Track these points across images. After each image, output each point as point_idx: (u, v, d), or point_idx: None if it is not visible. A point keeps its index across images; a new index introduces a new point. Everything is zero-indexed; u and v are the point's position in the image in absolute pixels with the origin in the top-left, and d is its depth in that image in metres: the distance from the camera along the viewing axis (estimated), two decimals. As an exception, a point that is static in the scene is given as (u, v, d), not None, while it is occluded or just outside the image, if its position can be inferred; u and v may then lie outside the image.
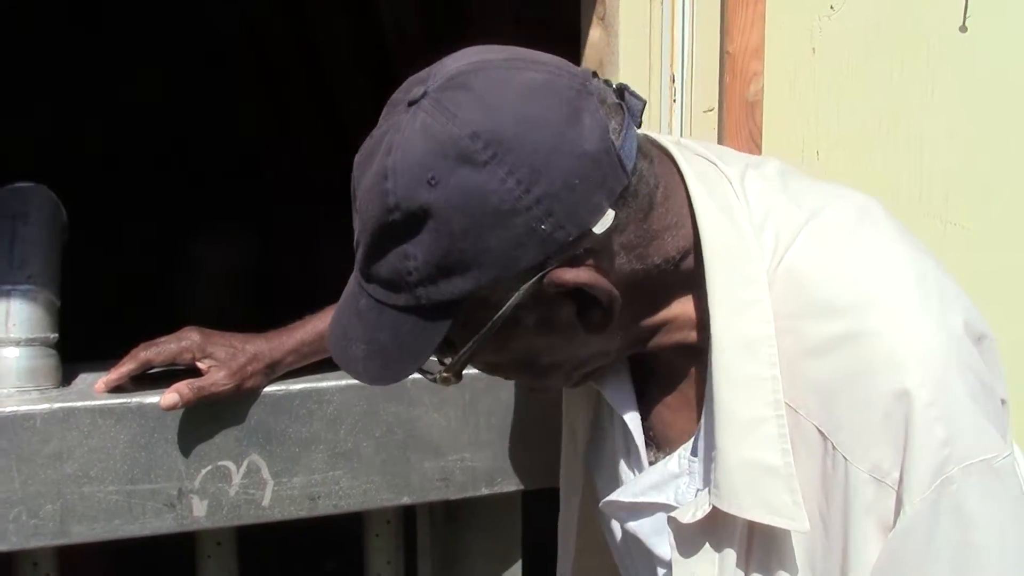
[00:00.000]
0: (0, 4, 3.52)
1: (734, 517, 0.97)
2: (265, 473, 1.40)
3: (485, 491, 1.50)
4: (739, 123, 1.53)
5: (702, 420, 1.01)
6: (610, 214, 0.91)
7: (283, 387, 1.41)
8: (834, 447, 0.93)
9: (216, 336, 1.36)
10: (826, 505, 0.94)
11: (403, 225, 0.88)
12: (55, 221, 1.43)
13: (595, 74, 0.96)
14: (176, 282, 4.26)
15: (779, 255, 0.97)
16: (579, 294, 0.93)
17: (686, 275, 1.00)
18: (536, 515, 1.58)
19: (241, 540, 1.55)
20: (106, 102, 4.25)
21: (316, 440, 1.42)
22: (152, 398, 1.34)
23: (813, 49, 1.58)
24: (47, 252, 1.39)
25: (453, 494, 1.49)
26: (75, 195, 1.50)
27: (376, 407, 1.44)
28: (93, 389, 1.35)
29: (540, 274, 0.90)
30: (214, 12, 4.21)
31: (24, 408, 1.30)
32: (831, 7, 1.58)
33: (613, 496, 1.11)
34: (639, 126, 0.96)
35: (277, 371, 1.40)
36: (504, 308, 0.91)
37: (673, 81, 1.53)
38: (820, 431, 0.94)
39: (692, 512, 0.99)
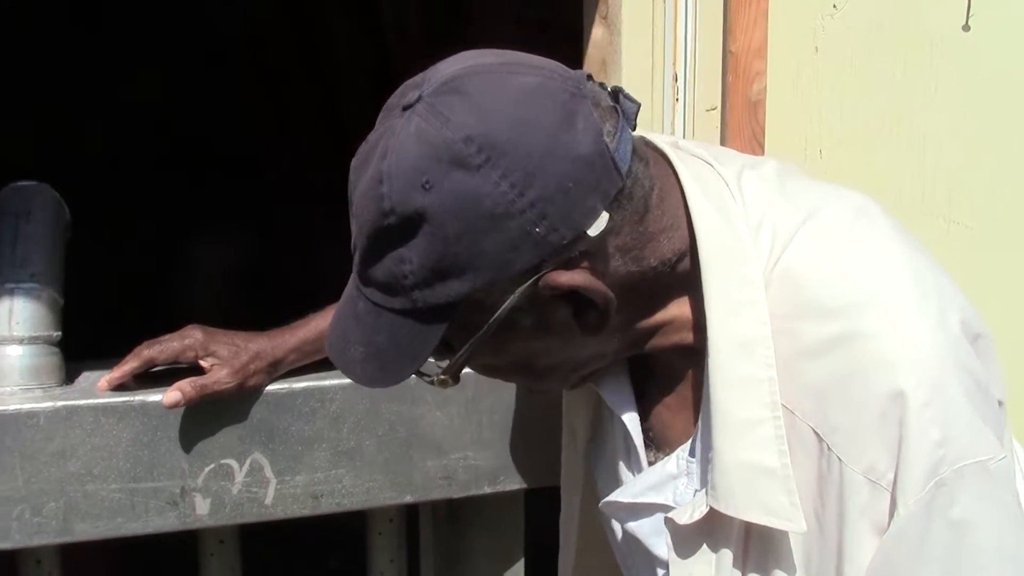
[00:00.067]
0: (0, 4, 3.52)
1: (731, 518, 0.97)
2: (268, 471, 1.40)
3: (488, 489, 1.51)
4: (742, 122, 1.53)
5: (699, 421, 1.01)
6: (604, 217, 0.91)
7: (286, 385, 1.41)
8: (829, 448, 0.93)
9: (219, 334, 1.37)
10: (821, 506, 0.94)
11: (398, 229, 0.89)
12: (58, 219, 1.43)
13: (590, 77, 0.96)
14: (176, 282, 4.26)
15: (775, 256, 0.97)
16: (574, 296, 0.93)
17: (682, 277, 1.00)
18: (539, 513, 1.58)
19: (244, 538, 1.55)
20: (106, 102, 4.25)
21: (319, 438, 1.42)
22: (155, 396, 1.34)
23: (816, 48, 1.58)
24: (50, 250, 1.39)
25: (456, 492, 1.49)
26: (75, 195, 1.50)
27: (379, 406, 1.44)
28: (96, 387, 1.35)
29: (535, 277, 0.91)
30: (214, 12, 4.21)
31: (27, 406, 1.30)
32: (834, 6, 1.58)
33: (612, 496, 1.11)
34: (634, 129, 0.96)
35: (280, 369, 1.40)
36: (500, 311, 0.91)
37: (676, 80, 1.53)
38: (816, 432, 0.94)
39: (689, 513, 1.00)
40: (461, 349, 0.95)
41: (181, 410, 1.34)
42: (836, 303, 0.95)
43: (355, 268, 0.96)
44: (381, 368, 0.96)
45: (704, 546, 1.01)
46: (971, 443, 0.90)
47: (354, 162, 0.95)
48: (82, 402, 1.32)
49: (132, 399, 1.34)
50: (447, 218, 0.87)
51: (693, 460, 1.04)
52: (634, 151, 0.95)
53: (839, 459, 0.92)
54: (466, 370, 1.00)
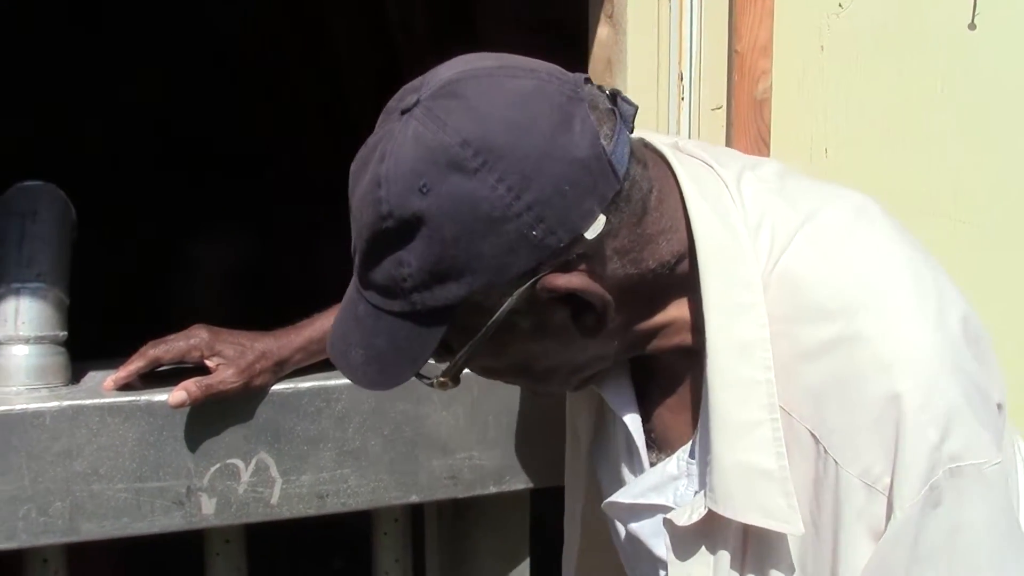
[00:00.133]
0: (0, 4, 3.51)
1: (729, 520, 0.97)
2: (273, 471, 1.40)
3: (493, 489, 1.51)
4: (747, 121, 1.53)
5: (699, 423, 1.01)
6: (602, 219, 0.91)
7: (291, 385, 1.41)
8: (826, 451, 0.93)
9: (224, 334, 1.37)
10: (818, 509, 0.94)
11: (397, 232, 0.89)
12: (64, 219, 1.43)
13: (588, 79, 0.96)
14: (176, 282, 4.25)
15: (774, 258, 0.97)
16: (572, 299, 0.94)
17: (682, 279, 1.00)
18: (544, 513, 1.58)
19: (250, 538, 1.55)
20: (106, 102, 4.24)
21: (324, 438, 1.42)
22: (161, 396, 1.34)
23: (821, 47, 1.58)
24: (56, 250, 1.39)
25: (461, 492, 1.49)
26: (75, 195, 1.50)
27: (384, 405, 1.44)
28: (102, 387, 1.35)
29: (533, 279, 0.91)
30: (214, 12, 4.20)
31: (33, 406, 1.30)
32: (839, 5, 1.58)
33: (614, 497, 1.11)
34: (631, 131, 0.96)
35: (285, 369, 1.40)
36: (498, 313, 0.92)
37: (681, 79, 1.53)
38: (813, 435, 0.94)
39: (688, 515, 1.00)
40: (460, 351, 0.96)
41: (187, 410, 1.34)
42: (834, 305, 0.95)
43: (355, 271, 0.97)
44: (381, 371, 0.96)
45: (702, 548, 1.01)
46: (967, 446, 0.90)
47: (353, 165, 0.95)
48: (88, 402, 1.32)
49: (138, 399, 1.34)
50: (444, 221, 0.88)
51: (693, 462, 1.04)
52: (632, 153, 0.95)
53: (835, 462, 0.92)
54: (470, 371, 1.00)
